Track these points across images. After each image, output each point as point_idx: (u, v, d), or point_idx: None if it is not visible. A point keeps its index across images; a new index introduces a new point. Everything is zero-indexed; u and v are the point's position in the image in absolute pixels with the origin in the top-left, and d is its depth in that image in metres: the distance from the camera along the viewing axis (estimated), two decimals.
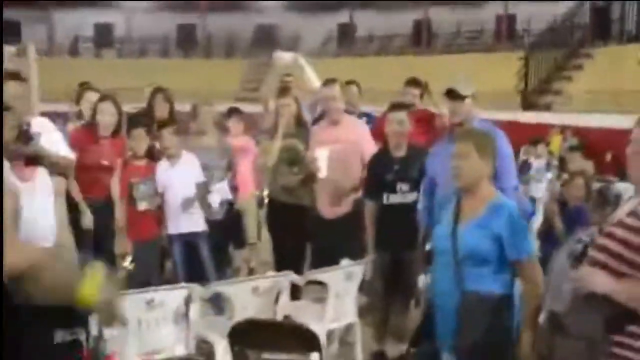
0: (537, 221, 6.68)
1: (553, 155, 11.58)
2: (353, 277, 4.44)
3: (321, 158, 4.97)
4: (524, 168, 9.29)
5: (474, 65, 15.67)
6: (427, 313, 3.70)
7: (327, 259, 4.57)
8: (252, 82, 21.23)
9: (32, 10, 22.24)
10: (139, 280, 4.68)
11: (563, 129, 14.22)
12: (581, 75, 17.26)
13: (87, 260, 1.89)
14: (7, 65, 5.85)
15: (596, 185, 6.44)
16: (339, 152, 4.94)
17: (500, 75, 16.71)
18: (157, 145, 5.19)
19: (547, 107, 17.15)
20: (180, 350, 3.88)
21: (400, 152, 4.63)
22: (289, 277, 4.34)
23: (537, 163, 9.75)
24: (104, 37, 25.67)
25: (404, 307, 4.78)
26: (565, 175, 8.02)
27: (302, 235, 5.21)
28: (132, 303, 3.64)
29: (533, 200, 8.17)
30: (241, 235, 6.20)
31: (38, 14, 23.18)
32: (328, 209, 5.07)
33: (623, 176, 6.03)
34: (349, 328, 4.59)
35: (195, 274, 4.83)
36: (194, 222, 5.08)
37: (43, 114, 4.88)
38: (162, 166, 5.09)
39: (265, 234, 5.89)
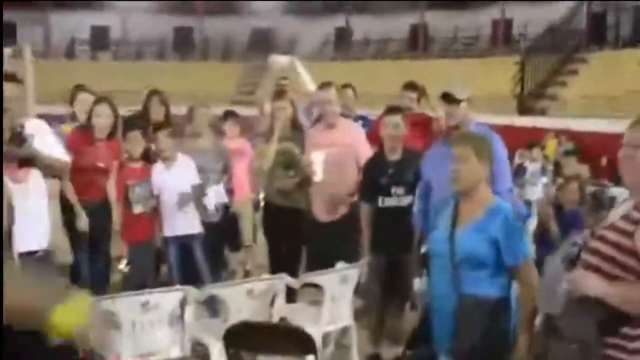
0: (532, 224, 6.71)
1: (548, 159, 11.63)
2: (348, 279, 4.44)
3: (317, 161, 4.97)
4: (519, 172, 9.32)
5: (470, 69, 15.75)
6: (424, 316, 3.70)
7: (322, 262, 4.57)
8: (248, 85, 21.22)
9: (28, 11, 22.15)
10: (134, 282, 4.69)
11: (558, 133, 14.28)
12: (576, 80, 17.33)
13: (69, 287, 1.76)
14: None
15: (591, 189, 6.47)
16: (335, 156, 4.95)
17: (496, 79, 16.75)
18: (153, 147, 5.18)
19: (543, 112, 17.22)
20: (176, 353, 3.87)
21: (395, 156, 4.64)
22: (284, 279, 4.34)
23: (532, 167, 9.80)
24: (100, 39, 25.64)
25: (400, 310, 4.80)
26: (560, 180, 8.06)
27: (297, 238, 5.21)
28: (127, 305, 3.66)
29: (528, 203, 8.18)
30: (237, 238, 6.21)
31: (34, 15, 23.09)
32: (323, 212, 5.07)
33: (618, 180, 6.07)
34: (344, 331, 4.58)
35: (190, 276, 4.81)
36: (189, 224, 5.07)
37: (39, 116, 4.87)
38: (158, 169, 5.09)
39: (261, 236, 5.89)
